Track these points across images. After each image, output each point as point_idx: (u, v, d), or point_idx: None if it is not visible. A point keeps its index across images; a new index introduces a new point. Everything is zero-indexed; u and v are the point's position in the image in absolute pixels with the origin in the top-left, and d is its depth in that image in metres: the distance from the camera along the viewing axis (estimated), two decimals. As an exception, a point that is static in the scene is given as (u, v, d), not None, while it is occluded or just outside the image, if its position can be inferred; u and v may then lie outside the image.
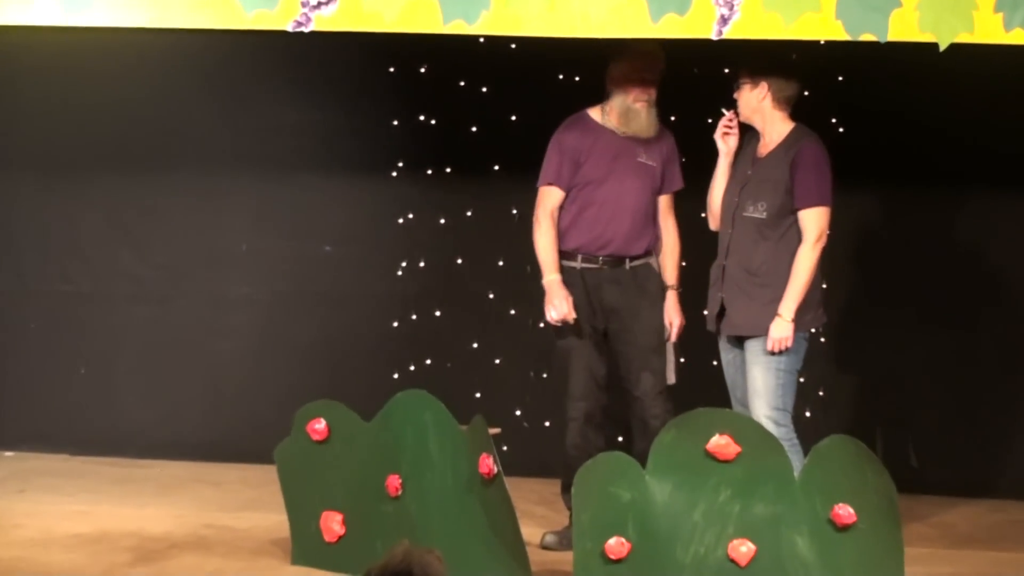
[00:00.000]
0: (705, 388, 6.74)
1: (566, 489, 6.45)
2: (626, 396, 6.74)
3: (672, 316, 6.74)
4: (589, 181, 6.66)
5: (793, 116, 6.39)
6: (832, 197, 6.29)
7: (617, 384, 6.77)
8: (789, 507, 5.62)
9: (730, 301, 6.40)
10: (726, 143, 6.49)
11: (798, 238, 6.28)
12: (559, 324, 6.65)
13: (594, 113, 6.72)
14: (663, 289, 6.75)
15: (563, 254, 6.72)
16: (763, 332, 6.26)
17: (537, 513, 7.05)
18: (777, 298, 6.25)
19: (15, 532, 6.69)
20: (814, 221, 6.27)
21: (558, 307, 6.62)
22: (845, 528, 5.58)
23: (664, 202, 6.78)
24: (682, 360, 6.77)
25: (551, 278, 6.67)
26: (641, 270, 6.73)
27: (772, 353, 6.24)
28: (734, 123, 6.45)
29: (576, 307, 6.64)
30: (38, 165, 8.04)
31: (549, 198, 6.71)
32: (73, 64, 7.66)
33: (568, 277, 6.67)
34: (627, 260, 6.70)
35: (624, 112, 6.63)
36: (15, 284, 8.16)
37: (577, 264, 6.70)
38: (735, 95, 6.42)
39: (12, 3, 5.88)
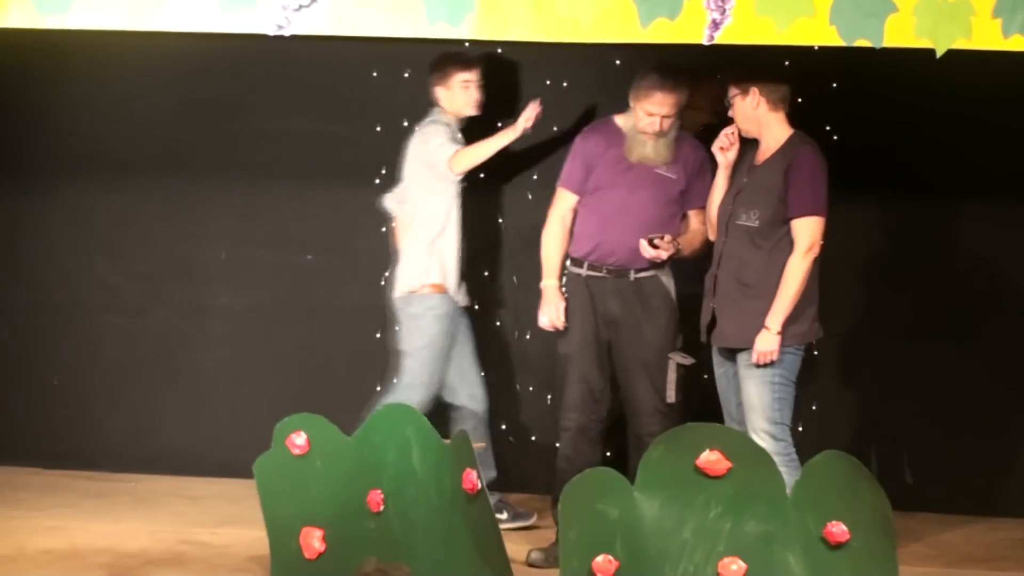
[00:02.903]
0: (698, 402, 6.66)
1: (556, 503, 6.35)
2: (624, 410, 6.65)
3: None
4: (598, 187, 6.59)
5: (790, 123, 6.31)
6: (827, 207, 6.19)
7: (616, 397, 6.68)
8: (781, 524, 5.55)
9: (721, 312, 6.32)
10: (724, 156, 6.39)
11: (791, 248, 6.19)
12: (550, 331, 6.55)
13: (619, 118, 6.65)
14: (671, 305, 6.61)
15: (573, 260, 6.67)
16: (753, 344, 6.15)
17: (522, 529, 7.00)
18: (768, 310, 6.14)
19: (-15, 548, 6.64)
20: (807, 230, 6.16)
21: (548, 313, 6.58)
22: (838, 546, 5.51)
23: (694, 218, 6.65)
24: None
25: (547, 283, 6.63)
26: (647, 283, 6.61)
27: (759, 365, 6.12)
28: (735, 139, 6.32)
29: (579, 315, 6.54)
30: (8, 170, 7.95)
31: (562, 201, 6.71)
32: (48, 68, 7.61)
33: (572, 283, 6.61)
34: (631, 272, 6.56)
35: (632, 137, 6.55)
36: (-15, 294, 8.09)
37: (583, 271, 6.62)
38: (729, 113, 6.31)
39: (-15, 6, 5.80)
